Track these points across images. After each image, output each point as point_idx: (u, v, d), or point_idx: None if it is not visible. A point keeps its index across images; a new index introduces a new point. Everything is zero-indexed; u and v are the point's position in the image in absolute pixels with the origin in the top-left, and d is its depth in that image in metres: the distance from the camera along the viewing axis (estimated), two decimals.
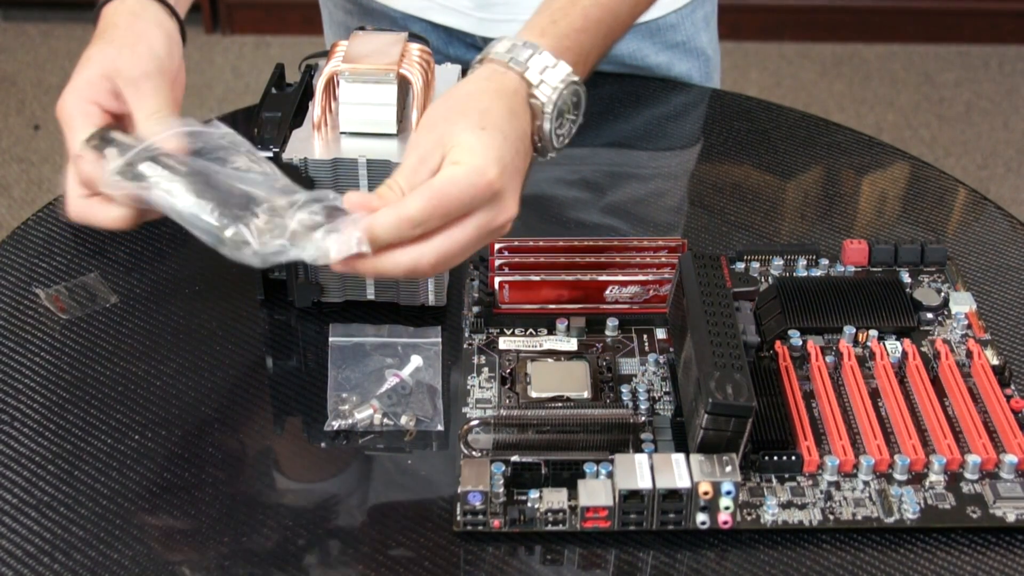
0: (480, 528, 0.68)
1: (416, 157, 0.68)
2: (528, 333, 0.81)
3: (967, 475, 0.70)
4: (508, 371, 0.77)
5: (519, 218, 0.71)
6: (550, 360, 0.78)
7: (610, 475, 0.68)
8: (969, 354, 0.79)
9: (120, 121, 0.73)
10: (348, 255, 0.66)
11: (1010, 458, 0.70)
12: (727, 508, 0.66)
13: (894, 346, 0.79)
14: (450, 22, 1.08)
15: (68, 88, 0.72)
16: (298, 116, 0.82)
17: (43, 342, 0.82)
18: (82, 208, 0.71)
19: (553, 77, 0.72)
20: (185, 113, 0.74)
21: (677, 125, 1.07)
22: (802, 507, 0.69)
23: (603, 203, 0.96)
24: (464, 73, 0.86)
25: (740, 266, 0.87)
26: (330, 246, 0.67)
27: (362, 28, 0.83)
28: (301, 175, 0.77)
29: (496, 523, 0.67)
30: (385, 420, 0.75)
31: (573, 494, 0.68)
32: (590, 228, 0.93)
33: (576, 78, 0.73)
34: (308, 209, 0.67)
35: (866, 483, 0.70)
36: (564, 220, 0.93)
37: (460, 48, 1.10)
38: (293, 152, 0.77)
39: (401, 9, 1.08)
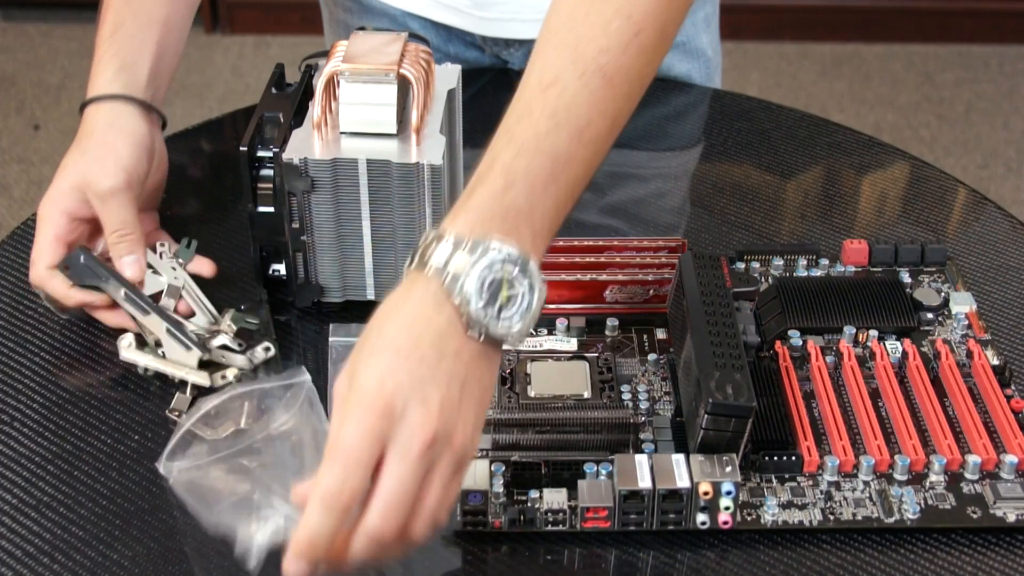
0: (480, 528, 0.67)
1: (338, 415, 0.60)
2: (528, 333, 0.80)
3: (967, 475, 0.70)
4: (508, 371, 0.77)
5: None
6: (550, 360, 0.78)
7: (610, 475, 0.68)
8: (969, 354, 0.78)
9: (93, 223, 0.82)
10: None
11: (1010, 458, 0.70)
12: (727, 508, 0.66)
13: (894, 346, 0.79)
14: (449, 20, 1.08)
15: (46, 195, 0.81)
16: (298, 116, 0.82)
17: (43, 342, 0.82)
18: (44, 277, 0.80)
19: (463, 262, 0.61)
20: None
21: (678, 125, 1.07)
22: (802, 507, 0.69)
23: (603, 203, 0.96)
24: (464, 73, 0.86)
25: (740, 266, 0.87)
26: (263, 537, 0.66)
27: (362, 28, 0.83)
28: (300, 172, 0.77)
29: (496, 523, 0.67)
30: None
31: (573, 494, 0.68)
32: (590, 228, 0.92)
33: (500, 248, 0.61)
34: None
35: (866, 483, 0.70)
36: (564, 220, 0.93)
37: (459, 46, 1.10)
38: (293, 152, 0.77)
39: (400, 7, 1.08)
